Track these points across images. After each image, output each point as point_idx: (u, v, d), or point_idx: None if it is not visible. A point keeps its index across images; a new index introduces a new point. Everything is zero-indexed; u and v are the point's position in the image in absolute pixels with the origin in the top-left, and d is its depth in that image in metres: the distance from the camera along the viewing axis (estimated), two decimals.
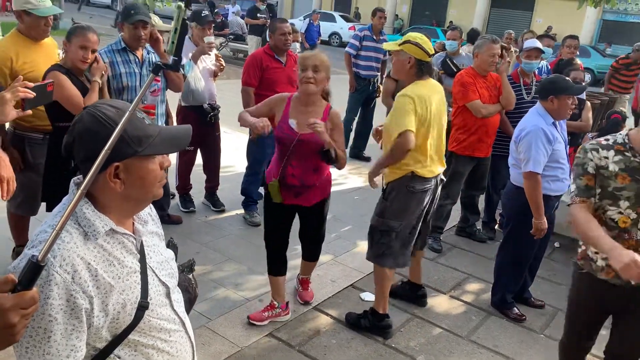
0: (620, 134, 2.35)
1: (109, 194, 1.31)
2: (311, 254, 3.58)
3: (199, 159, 4.99)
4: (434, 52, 3.25)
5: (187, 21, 1.31)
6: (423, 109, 3.07)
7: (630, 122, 5.90)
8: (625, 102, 8.70)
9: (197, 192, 5.13)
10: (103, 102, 1.35)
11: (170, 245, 1.67)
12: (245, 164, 5.08)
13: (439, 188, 3.44)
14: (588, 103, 5.31)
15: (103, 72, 3.09)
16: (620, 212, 2.28)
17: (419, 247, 3.62)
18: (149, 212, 1.53)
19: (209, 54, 4.58)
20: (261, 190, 5.16)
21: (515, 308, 3.81)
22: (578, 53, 6.58)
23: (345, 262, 4.29)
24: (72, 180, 1.35)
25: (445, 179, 3.51)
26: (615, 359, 2.57)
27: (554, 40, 7.12)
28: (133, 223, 1.42)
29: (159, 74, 1.34)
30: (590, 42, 22.87)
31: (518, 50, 5.02)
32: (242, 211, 4.98)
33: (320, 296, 3.78)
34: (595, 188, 2.31)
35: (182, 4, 1.26)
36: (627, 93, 8.93)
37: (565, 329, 2.76)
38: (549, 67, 6.14)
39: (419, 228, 3.37)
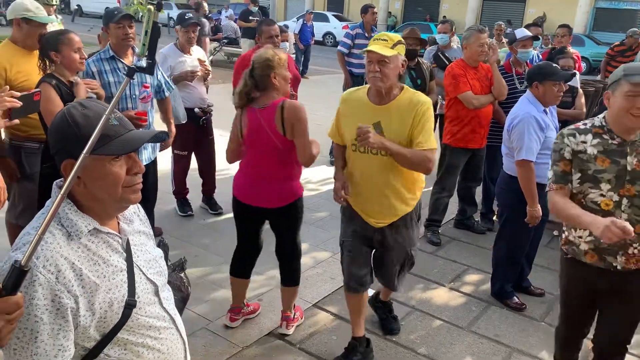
0: (599, 117, 2.35)
1: (80, 193, 1.32)
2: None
3: (194, 163, 5.00)
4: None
5: (158, 24, 1.31)
6: (343, 116, 2.92)
7: None
8: None
9: (195, 196, 5.14)
10: (79, 102, 1.36)
11: (161, 245, 1.69)
12: None
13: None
14: (581, 90, 5.30)
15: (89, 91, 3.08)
16: (602, 195, 2.27)
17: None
18: (136, 212, 1.54)
19: (190, 83, 4.59)
20: None
21: (515, 297, 3.82)
22: (571, 42, 6.57)
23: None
24: (54, 183, 1.36)
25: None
26: (603, 346, 2.56)
27: (540, 27, 7.10)
28: (118, 223, 1.43)
29: (133, 77, 1.33)
30: (584, 31, 22.84)
31: (508, 41, 5.01)
32: None
33: (320, 293, 3.79)
34: (573, 173, 2.32)
35: (152, 7, 1.26)
36: None
37: (560, 316, 2.76)
38: (541, 56, 6.13)
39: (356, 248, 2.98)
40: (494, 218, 5.15)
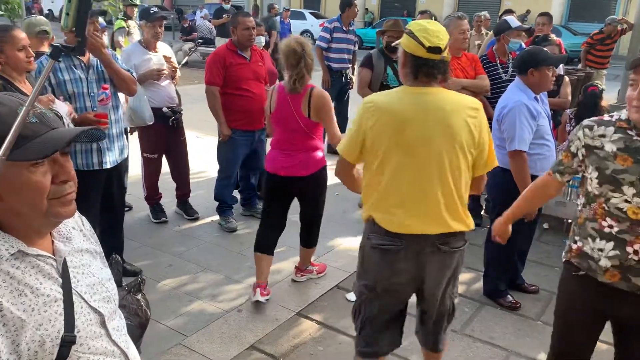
0: (625, 111, 2.04)
1: None
2: None
3: (166, 167, 4.73)
4: (436, 45, 2.14)
5: None
6: (379, 125, 2.17)
7: (607, 95, 5.77)
8: (602, 77, 8.61)
9: (169, 201, 4.88)
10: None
11: (112, 263, 1.44)
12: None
13: (443, 257, 2.28)
14: (566, 78, 5.17)
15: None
16: (627, 201, 1.93)
17: (425, 344, 2.58)
18: (78, 226, 1.29)
19: (157, 82, 4.34)
20: (235, 193, 4.93)
21: (508, 296, 3.63)
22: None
23: (327, 261, 4.07)
24: None
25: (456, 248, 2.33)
26: None
27: (512, 14, 6.98)
28: (53, 241, 1.18)
29: (59, 59, 1.07)
30: (560, 21, 22.91)
31: (496, 29, 4.84)
32: (217, 217, 4.74)
33: (304, 300, 3.56)
34: (589, 172, 2.05)
35: None
36: (603, 68, 8.86)
37: (554, 346, 2.30)
38: (524, 45, 5.98)
39: (394, 306, 2.42)
40: (482, 213, 4.98)
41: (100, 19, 4.68)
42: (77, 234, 1.26)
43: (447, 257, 2.28)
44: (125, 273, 3.67)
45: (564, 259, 2.22)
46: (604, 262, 1.99)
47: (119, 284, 1.44)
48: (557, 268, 4.15)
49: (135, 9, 7.47)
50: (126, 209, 4.57)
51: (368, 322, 2.39)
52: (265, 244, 3.51)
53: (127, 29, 7.20)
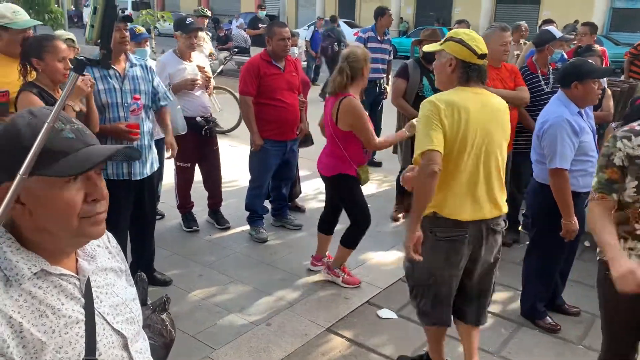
0: None
1: (23, 223, 1.04)
2: None
3: (199, 176, 4.73)
4: (484, 52, 2.47)
5: (115, 1, 1.01)
6: (453, 120, 2.38)
7: None
8: None
9: (201, 209, 4.88)
10: (28, 109, 1.08)
11: (138, 280, 1.40)
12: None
13: (494, 238, 2.62)
14: (609, 91, 4.96)
15: (88, 88, 2.82)
16: None
17: (468, 320, 2.81)
18: (104, 244, 1.25)
19: (191, 91, 4.35)
20: (267, 203, 4.90)
21: (548, 317, 3.47)
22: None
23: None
24: None
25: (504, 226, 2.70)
26: None
27: (552, 24, 6.77)
28: (77, 259, 1.14)
29: (84, 72, 1.04)
30: (602, 31, 22.31)
31: (537, 40, 4.69)
32: (248, 227, 4.71)
33: (334, 316, 3.48)
34: (627, 182, 2.02)
35: None
36: None
37: (605, 346, 2.37)
38: (566, 56, 5.80)
39: (456, 285, 2.69)
40: (520, 229, 4.82)
41: (142, 28, 4.73)
42: (102, 252, 1.23)
43: (498, 237, 2.64)
44: (156, 282, 3.68)
45: (597, 258, 2.27)
46: (635, 260, 2.05)
47: (143, 303, 1.40)
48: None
49: (206, 20, 7.63)
50: (158, 217, 4.59)
51: (437, 304, 2.69)
52: (327, 227, 3.95)
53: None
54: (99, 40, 0.99)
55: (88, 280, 1.13)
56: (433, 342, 2.90)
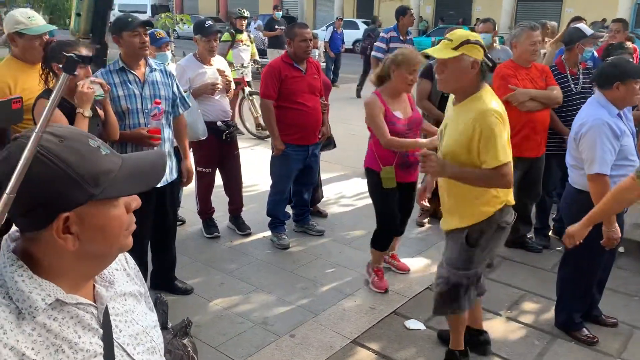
0: None
1: (58, 254, 0.95)
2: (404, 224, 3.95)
3: (219, 180, 4.66)
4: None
5: None
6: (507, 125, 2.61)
7: None
8: None
9: (222, 215, 4.80)
10: (49, 131, 0.95)
11: (158, 303, 1.30)
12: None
13: None
14: None
15: (102, 92, 2.74)
16: None
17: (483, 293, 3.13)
18: (120, 267, 1.15)
19: (212, 96, 4.29)
20: (288, 209, 4.80)
21: (584, 329, 3.31)
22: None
23: None
24: (5, 237, 0.99)
25: None
26: None
27: (582, 21, 6.53)
28: (94, 286, 1.05)
29: (74, 72, 0.95)
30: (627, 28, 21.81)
31: (568, 39, 4.52)
32: (269, 233, 4.61)
33: (359, 327, 3.36)
34: None
35: None
36: None
37: None
38: (596, 54, 5.60)
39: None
40: (550, 233, 4.65)
41: (162, 32, 4.67)
42: (120, 276, 1.13)
43: None
44: (177, 291, 3.61)
45: None
46: None
47: (164, 326, 1.30)
48: (637, 297, 3.79)
49: (244, 21, 7.56)
50: (179, 222, 4.52)
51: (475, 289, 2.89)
52: (383, 245, 3.84)
53: (230, 42, 7.31)
54: (90, 34, 0.90)
55: (106, 309, 1.03)
56: (459, 332, 3.00)
